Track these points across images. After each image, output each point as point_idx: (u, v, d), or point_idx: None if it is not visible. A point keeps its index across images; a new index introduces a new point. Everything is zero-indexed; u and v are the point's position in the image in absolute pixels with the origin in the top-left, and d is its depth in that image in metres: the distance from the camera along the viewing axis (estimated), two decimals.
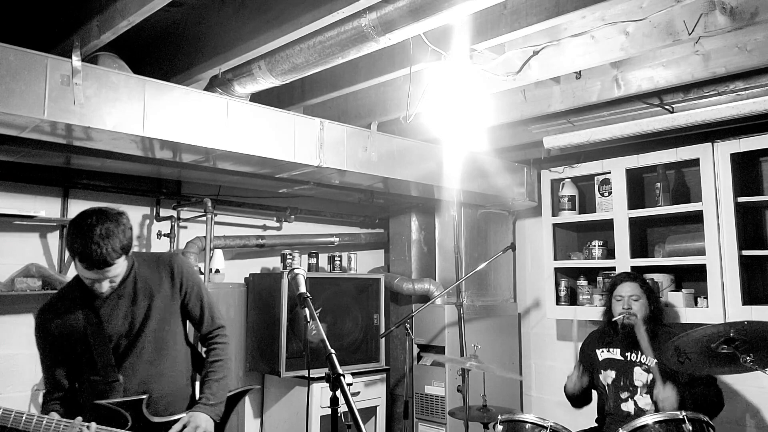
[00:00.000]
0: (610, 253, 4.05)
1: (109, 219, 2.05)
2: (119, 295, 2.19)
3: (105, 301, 2.18)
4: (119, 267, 2.08)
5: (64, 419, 2.07)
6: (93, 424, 2.06)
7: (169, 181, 3.83)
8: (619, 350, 3.22)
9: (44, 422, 2.03)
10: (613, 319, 3.19)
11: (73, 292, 2.21)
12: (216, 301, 2.49)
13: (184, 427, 2.17)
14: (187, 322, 2.40)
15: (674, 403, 2.86)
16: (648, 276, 3.76)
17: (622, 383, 3.16)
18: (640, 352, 3.14)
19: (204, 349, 2.43)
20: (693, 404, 2.87)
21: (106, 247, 1.99)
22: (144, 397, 2.16)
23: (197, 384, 2.39)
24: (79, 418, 2.07)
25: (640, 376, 3.12)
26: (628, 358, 3.18)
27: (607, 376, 3.22)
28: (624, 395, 3.14)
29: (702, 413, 2.69)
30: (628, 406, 3.11)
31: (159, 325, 2.25)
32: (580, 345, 3.36)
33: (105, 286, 2.09)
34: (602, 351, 3.28)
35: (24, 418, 2.01)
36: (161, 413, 2.20)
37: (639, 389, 3.11)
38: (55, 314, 2.19)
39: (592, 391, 3.34)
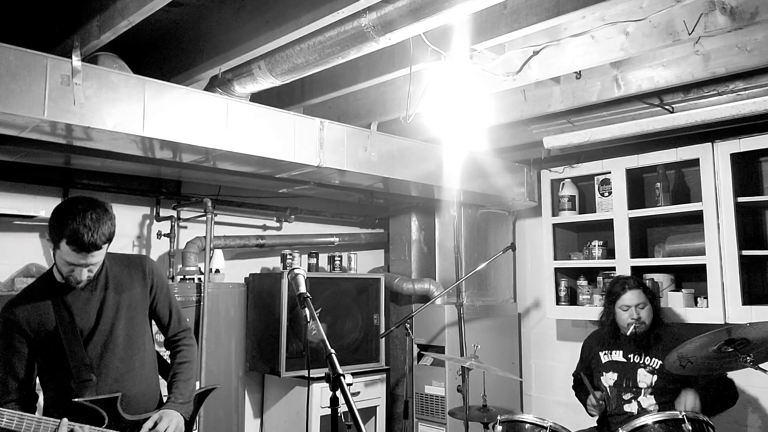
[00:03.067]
0: (610, 253, 4.04)
1: (98, 205, 2.08)
2: (91, 290, 2.19)
3: (77, 296, 2.17)
4: (102, 254, 2.09)
5: (45, 417, 2.02)
6: (64, 420, 2.02)
7: (169, 181, 3.83)
8: (621, 352, 3.22)
9: (42, 424, 1.99)
10: (627, 333, 3.14)
11: (43, 287, 2.20)
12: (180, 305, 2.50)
13: (156, 424, 2.16)
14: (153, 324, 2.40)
15: (699, 410, 2.86)
16: (648, 276, 3.77)
17: (624, 385, 3.15)
18: (644, 354, 3.15)
19: (170, 351, 2.43)
20: (712, 402, 2.89)
21: (97, 230, 2.01)
22: (119, 394, 2.15)
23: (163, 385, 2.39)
24: (65, 420, 2.02)
25: (644, 378, 3.11)
26: (632, 360, 3.17)
27: (609, 379, 3.21)
28: (627, 396, 3.14)
29: (720, 408, 2.71)
30: (631, 407, 3.11)
31: (130, 323, 2.25)
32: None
33: (84, 275, 2.09)
34: (605, 353, 3.28)
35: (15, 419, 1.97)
36: (133, 412, 2.19)
37: (643, 390, 3.11)
38: (26, 308, 2.15)
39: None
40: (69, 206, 2.05)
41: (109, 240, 2.09)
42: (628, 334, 3.14)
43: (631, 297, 3.17)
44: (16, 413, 1.98)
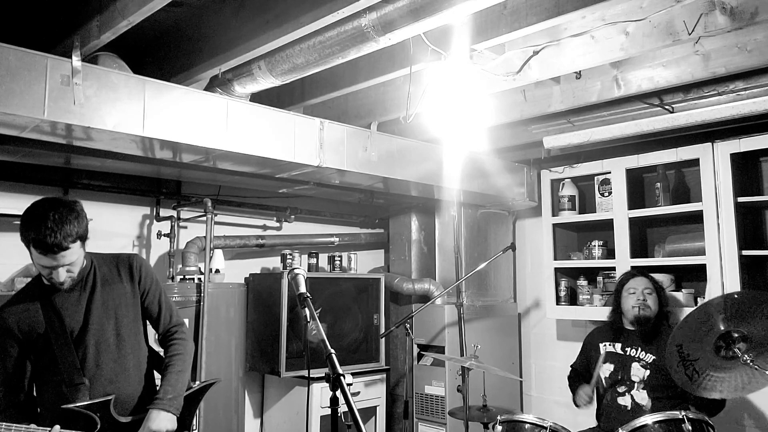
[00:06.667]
0: (610, 253, 4.05)
1: (62, 205, 2.04)
2: (80, 290, 2.19)
3: (66, 298, 2.17)
4: (74, 253, 2.05)
5: (33, 426, 2.00)
6: (56, 427, 2.00)
7: (169, 181, 3.83)
8: (620, 345, 3.26)
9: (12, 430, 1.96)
10: (631, 317, 3.20)
11: (32, 290, 2.20)
12: (173, 303, 2.47)
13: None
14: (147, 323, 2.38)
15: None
16: None
17: (619, 377, 3.19)
18: (639, 348, 3.18)
19: (164, 349, 2.39)
20: (695, 405, 2.89)
21: (60, 231, 1.97)
22: (111, 397, 2.13)
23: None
24: (57, 427, 2.01)
25: (637, 372, 3.15)
26: (627, 353, 3.21)
27: (606, 369, 3.24)
28: (621, 389, 3.17)
29: (704, 411, 2.71)
30: (624, 400, 3.14)
31: (120, 322, 2.23)
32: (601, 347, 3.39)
33: (62, 275, 2.06)
34: (605, 345, 3.31)
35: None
36: (129, 413, 2.18)
37: (636, 384, 3.14)
38: (15, 311, 2.15)
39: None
40: (33, 210, 2.04)
41: (79, 238, 2.05)
42: (632, 317, 3.20)
43: (638, 281, 3.27)
44: (2, 424, 1.96)
